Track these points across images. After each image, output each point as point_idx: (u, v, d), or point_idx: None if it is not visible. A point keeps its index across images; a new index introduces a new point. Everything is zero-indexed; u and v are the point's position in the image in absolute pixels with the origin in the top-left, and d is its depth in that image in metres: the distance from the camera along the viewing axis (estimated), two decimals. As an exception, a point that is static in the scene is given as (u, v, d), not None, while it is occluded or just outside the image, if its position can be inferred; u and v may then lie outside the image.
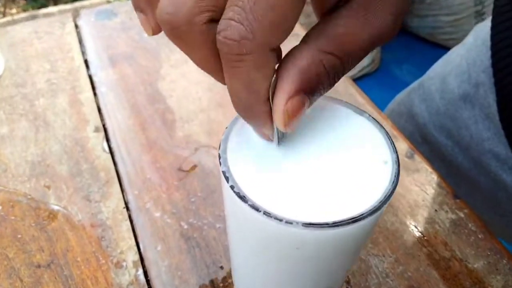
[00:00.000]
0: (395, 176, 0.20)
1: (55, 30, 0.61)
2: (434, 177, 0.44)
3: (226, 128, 0.22)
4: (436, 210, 0.42)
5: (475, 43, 0.53)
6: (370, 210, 0.19)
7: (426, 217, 0.41)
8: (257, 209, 0.19)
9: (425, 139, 0.61)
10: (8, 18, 0.63)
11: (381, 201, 0.19)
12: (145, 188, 0.43)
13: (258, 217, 0.19)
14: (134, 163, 0.45)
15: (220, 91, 0.53)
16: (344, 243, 0.20)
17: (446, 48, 1.43)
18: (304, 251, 0.20)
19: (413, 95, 0.64)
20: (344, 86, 0.54)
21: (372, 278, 0.37)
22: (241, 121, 0.23)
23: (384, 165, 0.20)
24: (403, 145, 0.47)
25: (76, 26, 0.62)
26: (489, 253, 0.39)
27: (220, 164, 0.21)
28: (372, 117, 0.23)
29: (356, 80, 1.41)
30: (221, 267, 0.37)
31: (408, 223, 0.41)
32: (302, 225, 0.18)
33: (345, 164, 0.21)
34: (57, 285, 0.36)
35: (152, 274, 0.37)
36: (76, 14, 0.64)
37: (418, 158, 0.46)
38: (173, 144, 0.47)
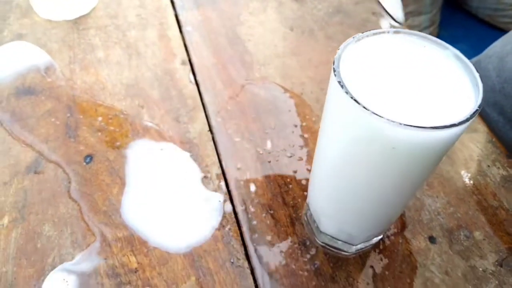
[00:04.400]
0: (481, 97, 0.24)
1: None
2: (489, 137, 0.48)
3: (339, 49, 0.27)
4: (488, 166, 0.45)
5: None
6: (457, 122, 0.23)
7: (479, 170, 0.45)
8: (367, 109, 0.23)
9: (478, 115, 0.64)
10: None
11: (466, 118, 0.23)
12: (227, 117, 0.48)
13: (365, 116, 0.23)
14: (217, 95, 0.50)
15: (294, 41, 0.57)
16: (431, 148, 0.24)
17: (505, 32, 1.41)
18: (398, 152, 0.25)
19: None
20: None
21: (425, 214, 0.42)
22: (350, 47, 0.27)
23: (465, 92, 0.25)
24: (463, 106, 0.51)
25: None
26: (534, 207, 0.42)
27: (335, 75, 0.25)
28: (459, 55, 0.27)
29: (407, 56, 1.40)
30: (291, 188, 0.42)
31: (462, 173, 0.45)
32: (402, 125, 0.23)
33: (437, 91, 0.25)
34: (151, 186, 0.42)
35: (232, 185, 0.42)
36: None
37: (477, 119, 0.50)
38: (251, 83, 0.52)
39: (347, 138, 0.27)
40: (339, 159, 0.29)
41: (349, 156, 0.28)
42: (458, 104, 0.25)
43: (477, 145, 0.47)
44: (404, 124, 0.23)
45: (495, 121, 0.61)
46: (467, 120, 0.23)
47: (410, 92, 0.26)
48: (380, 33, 0.28)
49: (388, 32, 0.28)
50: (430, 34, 1.22)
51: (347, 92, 0.24)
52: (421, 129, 0.23)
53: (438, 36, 1.39)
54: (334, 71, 0.26)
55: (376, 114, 0.23)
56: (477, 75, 0.26)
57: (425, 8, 1.29)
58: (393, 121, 0.23)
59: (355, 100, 0.24)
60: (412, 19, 1.28)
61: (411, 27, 1.33)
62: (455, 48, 0.29)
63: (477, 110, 0.24)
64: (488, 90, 0.61)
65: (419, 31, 1.11)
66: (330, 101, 0.27)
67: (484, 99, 0.25)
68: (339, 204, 0.33)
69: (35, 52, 0.54)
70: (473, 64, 0.68)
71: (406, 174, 0.27)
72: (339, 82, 0.25)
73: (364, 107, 0.23)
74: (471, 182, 0.44)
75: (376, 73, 0.26)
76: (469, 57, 0.72)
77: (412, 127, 0.23)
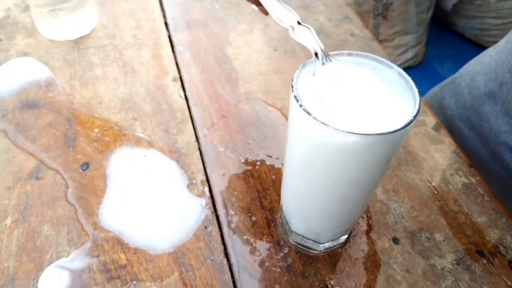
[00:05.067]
0: (417, 109, 0.29)
1: (142, -5, 0.71)
2: (454, 148, 0.52)
3: (298, 69, 0.31)
4: (451, 174, 0.50)
5: (506, 46, 0.59)
6: (393, 130, 0.27)
7: (442, 178, 0.49)
8: (316, 119, 0.28)
9: (451, 130, 0.68)
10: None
11: (402, 127, 0.27)
12: (213, 129, 0.53)
13: (315, 125, 0.28)
14: (204, 110, 0.55)
15: (277, 60, 0.62)
16: (373, 152, 0.29)
17: (490, 51, 1.47)
18: (345, 156, 0.29)
19: (445, 90, 0.71)
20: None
21: (390, 217, 0.45)
22: (307, 68, 0.32)
23: (407, 105, 0.29)
24: (433, 120, 0.55)
25: (159, -7, 0.72)
26: (491, 212, 0.46)
27: (293, 91, 0.30)
28: (402, 72, 0.32)
29: (398, 73, 1.45)
30: (269, 193, 0.46)
31: (426, 180, 0.49)
32: (345, 132, 0.27)
33: (380, 103, 0.29)
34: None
35: (215, 190, 0.47)
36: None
37: (443, 132, 0.54)
38: (236, 99, 0.56)
39: (305, 145, 0.31)
40: (300, 164, 0.33)
41: (307, 161, 0.32)
42: (401, 115, 0.29)
43: (442, 155, 0.51)
44: (347, 132, 0.27)
45: (466, 136, 0.65)
46: (402, 128, 0.28)
47: (360, 105, 0.30)
48: (336, 54, 0.33)
49: (343, 53, 0.33)
50: (417, 53, 1.29)
51: (301, 105, 0.29)
52: (362, 136, 0.27)
53: (426, 55, 1.45)
54: (292, 87, 0.30)
55: (324, 124, 0.27)
56: (416, 90, 0.30)
57: (412, 28, 1.34)
58: (338, 129, 0.27)
59: (307, 112, 0.28)
60: (399, 38, 1.33)
61: (398, 46, 1.39)
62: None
63: (412, 120, 0.28)
64: (460, 107, 0.66)
65: (406, 50, 1.19)
66: (291, 114, 0.32)
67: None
68: (304, 205, 0.37)
69: (39, 69, 0.59)
70: (449, 82, 0.72)
71: (355, 176, 0.31)
72: (295, 96, 0.29)
73: (314, 118, 0.28)
74: (435, 188, 0.48)
75: (331, 88, 0.31)
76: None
77: (354, 134, 0.27)
